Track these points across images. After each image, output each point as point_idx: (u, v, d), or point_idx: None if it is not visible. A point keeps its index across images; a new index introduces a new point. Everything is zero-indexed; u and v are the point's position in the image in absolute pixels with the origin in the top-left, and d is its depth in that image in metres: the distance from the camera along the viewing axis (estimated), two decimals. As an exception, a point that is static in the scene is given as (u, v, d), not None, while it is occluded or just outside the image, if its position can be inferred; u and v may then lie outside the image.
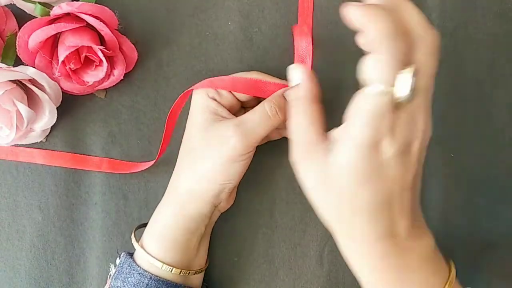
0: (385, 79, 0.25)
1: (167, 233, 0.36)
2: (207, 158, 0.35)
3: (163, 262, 0.36)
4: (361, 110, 0.26)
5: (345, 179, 0.28)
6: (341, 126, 0.28)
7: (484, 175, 0.43)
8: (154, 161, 0.40)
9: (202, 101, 0.36)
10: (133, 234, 0.38)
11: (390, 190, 0.28)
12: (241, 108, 0.39)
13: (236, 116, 0.38)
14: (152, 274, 0.35)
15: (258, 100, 0.39)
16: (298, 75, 0.32)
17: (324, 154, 0.29)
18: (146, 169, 0.41)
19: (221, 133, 0.35)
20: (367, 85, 0.26)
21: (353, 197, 0.28)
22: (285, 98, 0.35)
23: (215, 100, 0.36)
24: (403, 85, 0.26)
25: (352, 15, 0.26)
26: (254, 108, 0.36)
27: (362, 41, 0.27)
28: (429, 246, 0.31)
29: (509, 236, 0.43)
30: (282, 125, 0.36)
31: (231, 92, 0.36)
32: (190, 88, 0.37)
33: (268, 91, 0.36)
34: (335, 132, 0.29)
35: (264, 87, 0.36)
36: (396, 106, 0.26)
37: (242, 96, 0.37)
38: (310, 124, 0.30)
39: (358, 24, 0.26)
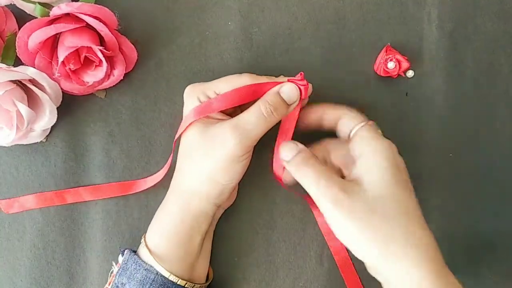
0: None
1: (172, 231, 0.36)
2: (208, 160, 0.35)
3: (170, 271, 0.36)
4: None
5: (394, 188, 0.33)
6: (357, 164, 0.34)
7: (484, 175, 0.43)
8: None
9: (195, 105, 0.36)
10: (144, 242, 0.37)
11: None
12: (235, 108, 0.39)
13: (230, 115, 0.38)
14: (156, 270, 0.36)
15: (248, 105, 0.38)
16: (290, 151, 0.35)
17: (357, 188, 0.33)
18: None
19: (219, 135, 0.35)
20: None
21: (401, 202, 0.33)
22: (280, 96, 0.35)
23: None
24: None
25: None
26: (249, 108, 0.35)
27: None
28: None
29: (509, 236, 0.43)
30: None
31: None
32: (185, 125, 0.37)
33: (265, 92, 0.36)
34: (355, 171, 0.34)
35: (260, 89, 0.36)
36: None
37: None
38: (329, 176, 0.33)
39: None
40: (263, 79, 0.36)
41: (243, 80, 0.36)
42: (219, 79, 0.37)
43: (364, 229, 0.31)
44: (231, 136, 0.34)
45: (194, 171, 0.36)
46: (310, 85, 0.36)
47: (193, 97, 0.36)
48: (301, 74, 0.35)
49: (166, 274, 0.35)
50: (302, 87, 0.35)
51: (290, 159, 0.34)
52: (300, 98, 0.36)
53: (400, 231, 0.31)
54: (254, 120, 0.35)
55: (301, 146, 0.35)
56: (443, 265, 0.32)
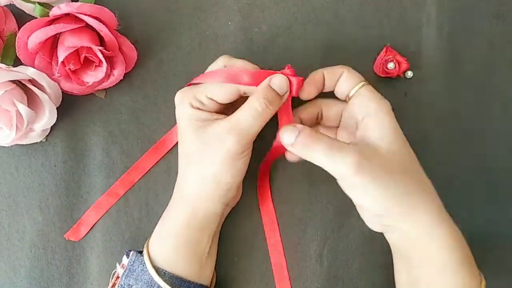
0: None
1: (180, 233, 0.36)
2: (208, 161, 0.35)
3: (178, 274, 0.36)
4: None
5: (400, 143, 0.35)
6: (363, 123, 0.35)
7: (483, 175, 0.43)
8: None
9: (188, 112, 0.36)
10: (146, 253, 0.37)
11: None
12: (228, 105, 0.38)
13: (224, 113, 0.37)
14: (165, 271, 0.36)
15: (243, 99, 0.38)
16: (291, 133, 0.34)
17: (369, 150, 0.33)
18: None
19: (216, 135, 0.35)
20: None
21: (408, 155, 0.35)
22: (272, 89, 0.35)
23: (200, 109, 0.36)
24: None
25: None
26: (244, 105, 0.35)
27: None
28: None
29: (509, 236, 0.43)
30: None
31: (211, 99, 0.36)
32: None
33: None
34: (360, 131, 0.36)
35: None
36: None
37: (224, 100, 0.36)
38: (341, 146, 0.33)
39: None
40: (257, 68, 0.37)
41: (239, 64, 0.36)
42: (208, 83, 0.36)
43: (386, 188, 0.33)
44: (229, 135, 0.34)
45: (196, 174, 0.36)
46: (300, 78, 0.36)
47: (184, 103, 0.36)
48: (287, 66, 0.36)
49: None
50: (293, 79, 0.35)
51: (293, 141, 0.34)
52: (290, 88, 0.36)
53: (414, 182, 0.34)
54: (250, 116, 0.34)
55: (299, 126, 0.35)
56: (443, 210, 0.35)
